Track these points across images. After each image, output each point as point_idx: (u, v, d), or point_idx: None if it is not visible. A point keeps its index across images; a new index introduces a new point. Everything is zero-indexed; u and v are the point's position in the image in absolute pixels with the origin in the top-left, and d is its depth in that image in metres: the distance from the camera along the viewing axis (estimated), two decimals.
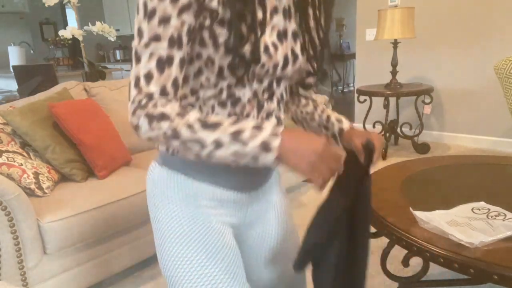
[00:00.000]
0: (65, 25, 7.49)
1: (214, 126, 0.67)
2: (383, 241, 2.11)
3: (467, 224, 1.16)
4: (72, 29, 3.05)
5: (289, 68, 0.80)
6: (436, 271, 1.83)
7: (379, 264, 1.49)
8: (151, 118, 0.68)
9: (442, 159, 1.88)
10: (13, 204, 1.44)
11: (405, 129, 4.17)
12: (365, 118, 3.85)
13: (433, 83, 3.96)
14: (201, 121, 0.68)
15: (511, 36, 3.44)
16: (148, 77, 0.68)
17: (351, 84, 8.41)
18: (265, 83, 0.79)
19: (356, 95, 3.99)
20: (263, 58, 0.74)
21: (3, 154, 1.68)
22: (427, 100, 3.56)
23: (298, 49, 0.81)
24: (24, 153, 1.82)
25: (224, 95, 0.77)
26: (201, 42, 0.72)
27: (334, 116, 0.99)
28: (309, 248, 0.82)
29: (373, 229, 1.42)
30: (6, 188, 1.42)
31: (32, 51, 5.60)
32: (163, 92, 0.69)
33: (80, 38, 3.13)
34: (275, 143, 0.66)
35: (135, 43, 0.69)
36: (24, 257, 1.49)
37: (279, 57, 0.76)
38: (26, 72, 3.62)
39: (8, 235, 1.45)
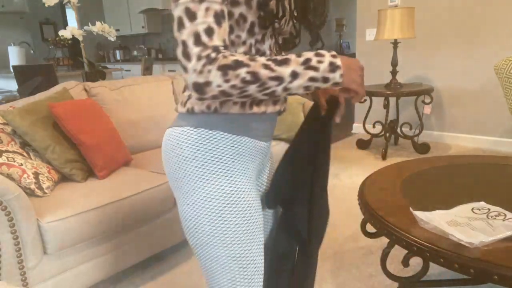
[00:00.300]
0: (65, 25, 7.49)
1: (285, 61, 0.74)
2: (383, 241, 2.12)
3: (467, 224, 1.16)
4: (72, 29, 3.05)
5: (288, 24, 0.91)
6: (436, 271, 1.83)
7: (379, 264, 1.49)
8: (226, 68, 0.70)
9: (442, 159, 1.88)
10: (13, 204, 1.44)
11: (405, 129, 4.17)
12: (365, 118, 3.85)
13: (433, 83, 3.96)
14: (272, 60, 0.74)
15: (511, 36, 3.44)
16: (209, 31, 0.70)
17: None
18: (273, 38, 0.89)
19: None
20: (281, 13, 0.84)
21: (3, 154, 1.68)
22: (427, 100, 3.56)
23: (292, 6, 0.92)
24: (24, 153, 1.82)
25: (253, 50, 0.85)
26: (234, 2, 0.78)
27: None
28: (279, 185, 0.98)
29: (373, 229, 1.42)
30: (6, 188, 1.42)
31: (32, 51, 5.59)
32: (225, 45, 0.73)
33: (80, 38, 3.13)
34: (338, 61, 0.77)
35: (182, 0, 0.70)
36: (24, 257, 1.49)
37: (287, 15, 0.88)
38: (26, 72, 3.62)
39: (8, 235, 1.45)
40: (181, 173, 0.86)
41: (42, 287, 1.57)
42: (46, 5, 2.97)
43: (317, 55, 0.76)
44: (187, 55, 0.70)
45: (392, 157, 3.62)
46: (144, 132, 2.46)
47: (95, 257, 1.72)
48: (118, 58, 7.56)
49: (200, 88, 0.71)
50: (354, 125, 4.67)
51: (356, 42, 4.48)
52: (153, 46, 7.50)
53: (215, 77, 0.69)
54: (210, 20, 0.70)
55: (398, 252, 1.99)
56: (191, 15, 0.70)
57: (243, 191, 0.86)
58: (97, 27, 3.15)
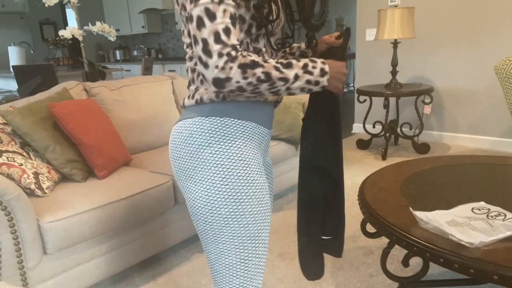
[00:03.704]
0: (65, 25, 7.49)
1: (290, 64, 0.84)
2: (383, 241, 2.12)
3: (467, 224, 1.16)
4: (72, 29, 3.05)
5: (279, 27, 0.99)
6: (436, 271, 1.83)
7: (379, 264, 1.49)
8: (245, 67, 0.78)
9: (442, 159, 1.88)
10: (13, 204, 1.44)
11: (405, 129, 4.17)
12: (365, 118, 3.85)
13: (433, 83, 3.96)
14: (280, 63, 0.83)
15: (511, 36, 3.44)
16: (227, 31, 0.77)
17: (351, 84, 8.41)
18: (265, 38, 0.96)
19: (356, 95, 3.99)
20: (274, 17, 0.93)
21: (3, 154, 1.68)
22: (427, 100, 3.56)
23: (281, 13, 1.00)
24: (24, 153, 1.82)
25: (251, 48, 0.92)
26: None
27: (294, 49, 1.16)
28: (306, 152, 1.08)
29: (373, 229, 1.42)
30: (6, 188, 1.42)
31: (32, 51, 5.59)
32: (240, 44, 0.82)
33: (80, 38, 3.13)
34: (327, 68, 0.88)
35: (202, 1, 0.76)
36: (24, 257, 1.49)
37: (281, 16, 0.97)
38: (26, 72, 3.62)
39: (8, 235, 1.45)
40: (194, 161, 0.90)
41: (42, 287, 1.57)
42: (46, 5, 2.97)
43: (312, 61, 0.87)
44: (207, 52, 0.76)
45: (392, 157, 3.62)
46: (144, 132, 2.46)
47: (95, 257, 1.72)
48: (118, 58, 7.55)
49: (220, 83, 0.78)
50: (354, 125, 4.67)
51: (356, 42, 4.48)
52: (153, 46, 7.50)
53: (235, 74, 0.77)
54: (228, 20, 0.77)
55: (398, 252, 1.99)
56: (211, 16, 0.76)
57: (256, 173, 0.92)
58: (97, 27, 3.15)
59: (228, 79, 0.77)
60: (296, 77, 0.83)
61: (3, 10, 6.65)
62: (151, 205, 1.85)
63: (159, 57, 7.24)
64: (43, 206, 1.61)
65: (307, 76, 0.85)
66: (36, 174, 1.72)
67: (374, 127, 3.99)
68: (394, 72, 3.56)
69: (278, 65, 0.82)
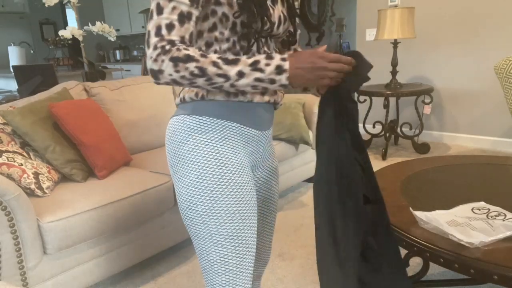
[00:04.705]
0: (65, 25, 7.49)
1: (235, 61, 0.81)
2: None
3: (467, 224, 1.16)
4: (72, 29, 3.05)
5: (281, 27, 0.96)
6: (436, 271, 1.83)
7: None
8: (177, 60, 0.78)
9: (442, 159, 1.88)
10: (13, 204, 1.44)
11: (405, 129, 4.17)
12: (365, 118, 3.85)
13: (433, 83, 3.96)
14: (222, 59, 0.81)
15: (511, 36, 3.44)
16: (170, 27, 0.80)
17: None
18: (263, 39, 0.94)
19: (356, 95, 3.99)
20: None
21: (3, 154, 1.68)
22: (427, 100, 3.56)
23: (285, 12, 0.98)
24: (24, 153, 1.82)
25: (237, 47, 0.90)
26: (217, 2, 0.85)
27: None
28: (322, 139, 0.94)
29: None
30: (6, 188, 1.42)
31: (32, 51, 5.59)
32: (182, 41, 0.81)
33: (80, 38, 3.13)
34: (286, 65, 0.81)
35: None
36: (24, 257, 1.49)
37: (276, 18, 0.93)
38: (26, 72, 3.62)
39: (8, 235, 1.45)
40: (176, 158, 0.92)
41: (42, 287, 1.57)
42: (46, 5, 2.96)
43: (267, 57, 0.82)
44: (147, 43, 0.80)
45: (392, 157, 3.62)
46: (144, 132, 2.46)
47: (95, 257, 1.72)
48: (118, 58, 7.55)
49: (154, 74, 0.80)
50: None
51: (356, 42, 4.48)
52: None
53: (167, 67, 0.78)
54: (174, 17, 0.80)
55: None
56: (160, 10, 0.80)
57: (234, 173, 0.90)
58: (97, 27, 3.15)
59: (161, 71, 0.79)
60: (241, 74, 0.80)
61: (3, 10, 6.65)
62: (151, 205, 1.85)
63: None
64: (43, 206, 1.61)
65: (257, 74, 0.81)
66: (36, 174, 1.72)
67: (374, 127, 3.99)
68: (394, 72, 3.56)
69: (218, 60, 0.80)
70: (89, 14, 6.92)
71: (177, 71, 0.78)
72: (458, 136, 3.91)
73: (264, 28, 0.90)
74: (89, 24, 3.17)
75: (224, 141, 0.91)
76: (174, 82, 0.81)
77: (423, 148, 3.66)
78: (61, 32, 3.05)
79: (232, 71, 0.80)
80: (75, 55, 6.44)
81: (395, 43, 3.47)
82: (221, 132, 0.90)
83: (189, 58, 0.78)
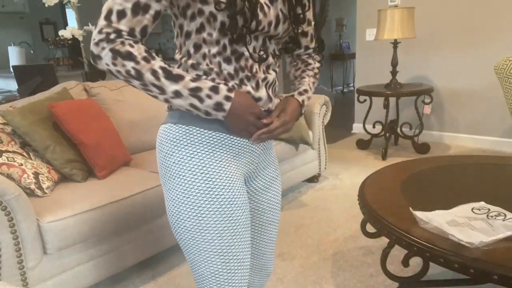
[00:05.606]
0: (65, 25, 7.48)
1: (177, 78, 0.76)
2: (383, 241, 2.12)
3: (467, 224, 1.16)
4: (72, 29, 3.05)
5: (280, 27, 0.88)
6: (436, 271, 1.83)
7: (379, 264, 1.48)
8: (117, 54, 0.74)
9: (442, 159, 1.88)
10: (13, 204, 1.44)
11: (405, 129, 4.17)
12: (365, 118, 3.85)
13: (433, 83, 3.96)
14: (165, 70, 0.76)
15: (511, 36, 3.44)
16: (121, 14, 0.74)
17: (351, 84, 8.41)
18: (260, 40, 0.87)
19: (356, 95, 3.99)
20: (260, 15, 0.82)
21: (3, 154, 1.68)
22: (427, 100, 3.56)
23: (285, 10, 0.89)
24: (24, 153, 1.82)
25: (228, 51, 0.83)
26: (203, 1, 0.78)
27: (302, 88, 1.01)
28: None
29: (373, 229, 1.42)
30: (6, 188, 1.42)
31: (32, 51, 5.59)
32: (131, 33, 0.75)
33: (80, 38, 3.13)
34: (227, 106, 0.79)
35: None
36: (24, 257, 1.49)
37: (272, 17, 0.85)
38: (26, 72, 3.62)
39: (8, 235, 1.45)
40: (164, 169, 0.88)
41: (42, 287, 1.57)
42: (46, 5, 2.96)
43: (212, 89, 0.78)
44: (97, 23, 0.75)
45: (392, 157, 3.62)
46: (144, 132, 2.46)
47: (95, 257, 1.72)
48: None
49: (93, 57, 0.76)
50: (354, 125, 4.67)
51: (356, 42, 4.48)
52: (153, 46, 7.50)
53: (106, 56, 0.74)
54: (128, 6, 0.74)
55: (398, 252, 1.99)
56: None
57: (222, 188, 0.85)
58: None
59: (99, 57, 0.75)
60: (177, 94, 0.76)
61: (3, 10, 6.65)
62: (151, 205, 1.85)
63: (159, 57, 7.23)
64: (43, 206, 1.61)
65: (193, 101, 0.77)
66: (36, 174, 1.72)
67: (374, 127, 3.99)
68: (394, 72, 3.56)
69: (160, 70, 0.75)
70: (89, 14, 6.91)
71: (114, 64, 0.74)
72: (458, 136, 3.91)
73: (259, 28, 0.83)
74: (89, 24, 3.17)
75: (212, 154, 0.85)
76: (110, 73, 0.76)
77: (423, 148, 3.66)
78: (61, 32, 3.05)
79: (170, 88, 0.76)
80: (75, 55, 6.44)
81: (395, 43, 3.47)
82: (209, 144, 0.85)
83: (129, 56, 0.74)
